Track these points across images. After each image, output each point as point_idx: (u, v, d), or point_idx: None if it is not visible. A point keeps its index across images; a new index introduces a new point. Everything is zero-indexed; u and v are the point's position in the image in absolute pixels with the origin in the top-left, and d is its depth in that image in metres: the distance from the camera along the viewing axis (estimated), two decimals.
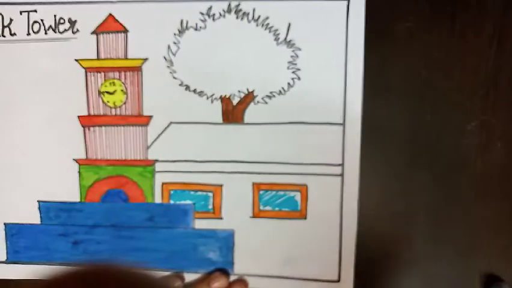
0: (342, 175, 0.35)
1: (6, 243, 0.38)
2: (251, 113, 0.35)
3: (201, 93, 0.35)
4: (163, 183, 0.36)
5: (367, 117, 0.34)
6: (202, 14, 0.35)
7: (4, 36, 0.36)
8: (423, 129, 0.35)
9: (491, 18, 0.34)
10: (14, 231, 0.37)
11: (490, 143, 0.34)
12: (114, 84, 0.36)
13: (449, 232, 0.35)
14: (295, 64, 0.34)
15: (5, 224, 0.38)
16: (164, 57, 0.35)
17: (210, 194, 0.36)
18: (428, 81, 0.34)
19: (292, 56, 0.34)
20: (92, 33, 0.36)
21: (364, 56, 0.34)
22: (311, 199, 0.35)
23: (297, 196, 0.35)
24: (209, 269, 0.36)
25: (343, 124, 0.34)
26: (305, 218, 0.36)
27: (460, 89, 0.34)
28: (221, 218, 0.36)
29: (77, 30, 0.36)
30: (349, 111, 0.34)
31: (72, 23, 0.36)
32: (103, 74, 0.36)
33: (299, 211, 0.36)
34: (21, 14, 0.36)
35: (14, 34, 0.36)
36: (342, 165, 0.35)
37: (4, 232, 0.38)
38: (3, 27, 0.36)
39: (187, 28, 0.35)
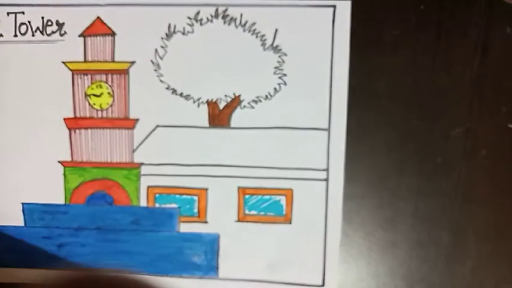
0: (327, 180, 0.35)
1: None
2: (237, 117, 0.35)
3: (187, 97, 0.35)
4: (148, 187, 0.36)
5: (353, 123, 0.35)
6: (189, 18, 0.35)
7: None
8: (409, 135, 0.35)
9: (476, 26, 0.34)
10: None
11: (474, 150, 0.35)
12: (101, 87, 0.36)
13: (434, 237, 0.35)
14: (282, 69, 0.35)
15: None
16: (152, 61, 0.35)
17: (195, 198, 0.36)
18: (413, 88, 0.35)
19: (278, 62, 0.35)
20: (80, 35, 0.36)
21: (351, 62, 0.34)
22: (296, 204, 0.35)
23: (283, 200, 0.36)
24: (193, 273, 0.36)
25: (328, 129, 0.35)
26: (290, 223, 0.36)
27: (445, 96, 0.35)
28: (206, 222, 0.36)
29: (65, 33, 0.36)
30: (334, 116, 0.35)
31: (60, 25, 0.36)
32: (89, 76, 0.36)
33: (284, 215, 0.36)
34: (8, 15, 0.36)
35: (1, 35, 0.36)
36: (327, 170, 0.35)
37: None
38: None
39: (174, 32, 0.35)
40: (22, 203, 0.37)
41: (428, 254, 0.35)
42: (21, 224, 0.37)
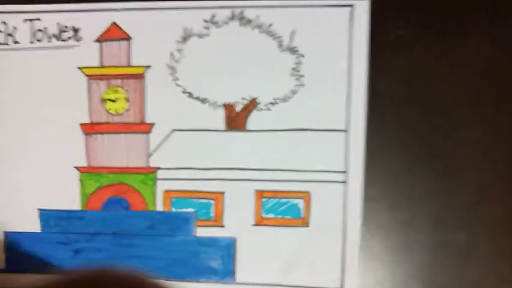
0: (345, 182, 0.35)
1: (6, 252, 0.37)
2: (254, 120, 0.35)
3: (203, 101, 0.35)
4: (164, 191, 0.36)
5: (367, 124, 0.34)
6: (205, 21, 0.35)
7: (8, 45, 0.36)
8: (422, 137, 0.35)
9: (480, 28, 0.34)
10: (13, 239, 0.37)
11: (486, 151, 0.34)
12: (117, 91, 0.36)
13: (448, 238, 0.35)
14: (299, 71, 0.34)
15: (4, 232, 0.37)
16: (167, 65, 0.35)
17: (212, 202, 0.36)
18: (429, 89, 0.34)
19: (295, 63, 0.34)
20: (96, 41, 0.36)
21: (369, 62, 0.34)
22: (314, 206, 0.35)
23: (301, 203, 0.35)
24: (210, 277, 0.36)
25: (346, 131, 0.34)
26: (308, 226, 0.35)
27: (459, 96, 0.34)
28: (223, 226, 0.36)
29: (81, 38, 0.36)
30: (352, 118, 0.34)
31: (75, 31, 0.36)
32: (105, 81, 0.36)
33: (302, 218, 0.35)
34: (24, 22, 0.36)
35: (18, 42, 0.36)
36: (345, 172, 0.35)
37: (4, 240, 0.37)
38: (7, 35, 0.36)
39: (190, 35, 0.35)
40: (39, 209, 0.37)
41: (442, 254, 0.35)
42: (38, 230, 0.37)
